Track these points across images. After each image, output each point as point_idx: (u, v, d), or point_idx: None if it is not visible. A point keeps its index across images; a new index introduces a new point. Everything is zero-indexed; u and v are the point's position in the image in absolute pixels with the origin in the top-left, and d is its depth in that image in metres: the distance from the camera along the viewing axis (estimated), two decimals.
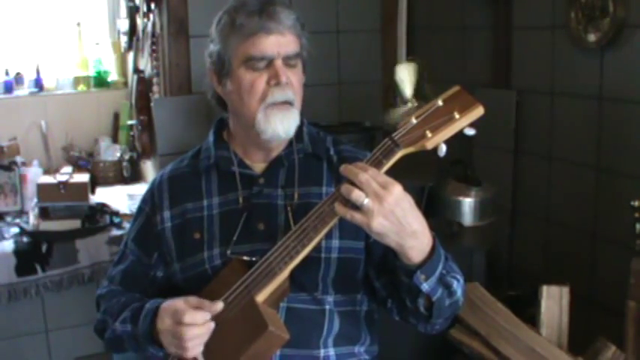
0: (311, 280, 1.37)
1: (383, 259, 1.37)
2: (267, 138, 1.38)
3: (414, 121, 1.19)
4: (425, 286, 1.20)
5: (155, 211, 1.49)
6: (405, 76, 2.33)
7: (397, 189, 1.13)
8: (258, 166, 1.47)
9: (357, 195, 1.13)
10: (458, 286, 1.30)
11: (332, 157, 1.48)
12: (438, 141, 1.17)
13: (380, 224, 1.13)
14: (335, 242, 1.39)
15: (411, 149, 1.19)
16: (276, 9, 1.36)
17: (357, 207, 1.14)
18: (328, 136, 1.53)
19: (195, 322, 1.23)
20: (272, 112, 1.36)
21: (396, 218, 1.13)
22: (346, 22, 3.01)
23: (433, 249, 1.21)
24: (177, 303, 1.27)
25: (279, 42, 1.36)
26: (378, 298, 1.44)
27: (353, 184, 1.15)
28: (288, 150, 1.46)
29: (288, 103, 1.37)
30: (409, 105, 2.33)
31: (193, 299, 1.28)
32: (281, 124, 1.36)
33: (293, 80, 1.38)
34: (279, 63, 1.36)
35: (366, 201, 1.12)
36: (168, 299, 1.31)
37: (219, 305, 1.27)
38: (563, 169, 2.38)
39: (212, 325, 1.25)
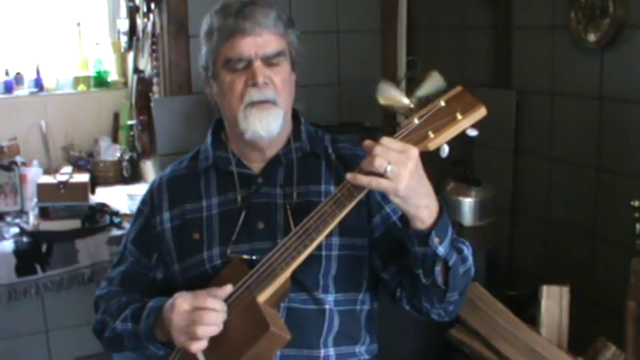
0: (311, 278, 1.37)
1: (391, 249, 1.37)
2: (249, 137, 1.39)
3: (416, 121, 1.19)
4: (441, 250, 1.21)
5: (154, 213, 1.49)
6: (390, 92, 2.30)
7: (415, 151, 1.15)
8: (257, 165, 1.47)
9: (379, 162, 1.13)
10: (468, 252, 1.31)
11: (330, 156, 1.48)
12: (440, 142, 1.17)
13: (407, 187, 1.13)
14: (335, 240, 1.39)
15: None
16: (254, 9, 1.36)
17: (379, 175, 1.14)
18: (326, 135, 1.53)
19: (215, 307, 1.24)
20: (250, 111, 1.36)
21: (417, 180, 1.15)
22: (346, 22, 3.01)
23: (441, 211, 1.22)
24: (194, 291, 1.28)
25: (256, 42, 1.36)
26: (387, 291, 1.43)
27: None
28: (287, 149, 1.46)
29: (269, 102, 1.37)
30: (412, 106, 2.32)
31: (202, 291, 1.28)
32: (259, 123, 1.36)
33: (275, 79, 1.37)
34: (257, 64, 1.36)
35: (389, 167, 1.12)
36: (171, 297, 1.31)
37: (229, 288, 1.27)
38: (563, 169, 2.37)
39: (225, 315, 1.26)
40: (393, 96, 2.32)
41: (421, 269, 1.26)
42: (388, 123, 3.00)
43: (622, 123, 2.12)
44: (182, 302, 1.26)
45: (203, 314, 1.23)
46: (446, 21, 2.89)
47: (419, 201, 1.17)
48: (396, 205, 1.18)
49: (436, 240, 1.20)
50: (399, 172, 1.12)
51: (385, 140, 1.15)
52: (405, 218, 1.22)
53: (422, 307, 1.35)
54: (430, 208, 1.20)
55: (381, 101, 2.32)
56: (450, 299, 1.30)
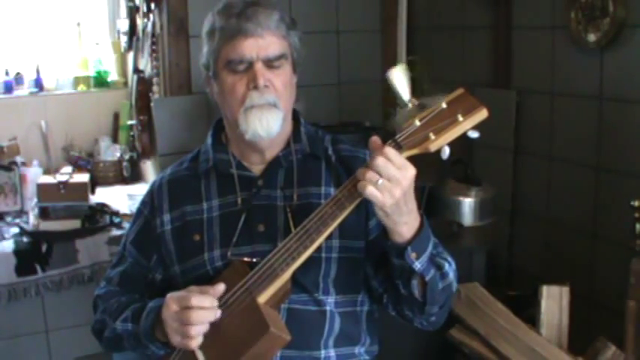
0: (311, 280, 1.37)
1: (382, 256, 1.37)
2: (249, 138, 1.38)
3: (417, 123, 1.19)
4: (417, 265, 1.22)
5: (154, 214, 1.49)
6: (400, 80, 2.30)
7: (413, 172, 1.16)
8: (257, 167, 1.46)
9: (371, 175, 1.14)
10: (449, 269, 1.32)
11: (330, 157, 1.47)
12: (441, 143, 1.18)
13: (394, 205, 1.15)
14: (335, 242, 1.39)
15: (414, 151, 1.19)
16: (256, 10, 1.35)
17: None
18: (327, 135, 1.53)
19: (203, 305, 1.24)
20: (251, 112, 1.36)
21: (405, 199, 1.17)
22: (346, 22, 3.02)
23: (421, 227, 1.23)
24: (185, 290, 1.29)
25: (258, 44, 1.35)
26: (375, 296, 1.44)
27: None
28: (286, 151, 1.46)
29: (269, 105, 1.37)
30: (410, 106, 2.32)
31: (194, 287, 1.29)
32: (260, 124, 1.36)
33: (275, 82, 1.37)
34: (258, 66, 1.35)
35: (381, 181, 1.14)
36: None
37: (221, 287, 1.28)
38: (563, 169, 2.38)
39: (219, 312, 1.26)
40: (400, 85, 2.33)
41: (399, 280, 1.28)
42: (388, 123, 3.00)
43: (622, 123, 2.13)
44: (172, 302, 1.27)
45: (192, 313, 1.23)
46: (446, 21, 2.89)
47: (399, 218, 1.19)
48: (378, 216, 1.20)
49: (413, 255, 1.21)
50: (392, 189, 1.14)
51: (389, 152, 1.15)
52: (385, 229, 1.24)
53: (405, 314, 1.37)
54: (410, 225, 1.21)
55: (389, 81, 2.33)
56: (430, 312, 1.32)
